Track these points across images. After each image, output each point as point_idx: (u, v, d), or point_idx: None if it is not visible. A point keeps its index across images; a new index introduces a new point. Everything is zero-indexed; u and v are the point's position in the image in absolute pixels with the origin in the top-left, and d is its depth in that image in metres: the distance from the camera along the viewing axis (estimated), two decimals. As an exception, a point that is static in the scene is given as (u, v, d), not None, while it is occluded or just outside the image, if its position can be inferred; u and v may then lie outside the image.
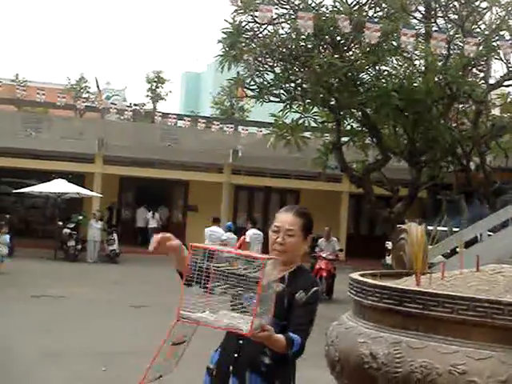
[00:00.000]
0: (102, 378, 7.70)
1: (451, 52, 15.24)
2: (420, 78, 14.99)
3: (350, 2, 14.33)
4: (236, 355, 3.26)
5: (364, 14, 14.27)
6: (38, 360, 8.29)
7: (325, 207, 27.12)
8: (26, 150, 24.55)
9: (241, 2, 14.12)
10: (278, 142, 15.51)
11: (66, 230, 22.24)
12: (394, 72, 15.05)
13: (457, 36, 15.51)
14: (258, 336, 2.80)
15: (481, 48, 14.45)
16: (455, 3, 16.48)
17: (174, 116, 27.96)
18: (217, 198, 26.31)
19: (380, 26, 13.00)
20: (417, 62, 15.76)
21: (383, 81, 14.59)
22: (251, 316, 2.81)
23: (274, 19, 14.40)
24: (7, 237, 17.85)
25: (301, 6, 14.05)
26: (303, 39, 14.19)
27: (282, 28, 14.67)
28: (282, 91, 14.82)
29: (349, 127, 16.36)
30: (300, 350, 3.08)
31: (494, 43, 14.67)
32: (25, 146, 24.35)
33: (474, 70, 16.56)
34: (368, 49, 13.90)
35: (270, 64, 14.63)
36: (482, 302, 2.37)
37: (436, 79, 14.60)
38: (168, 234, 3.13)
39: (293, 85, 14.75)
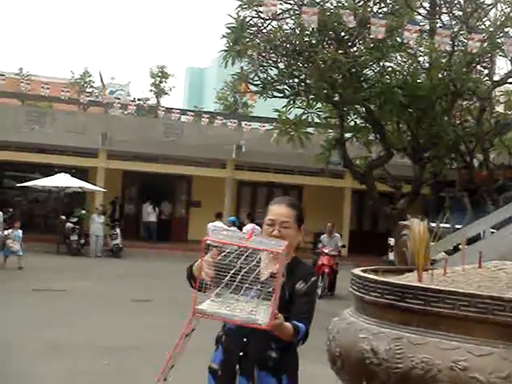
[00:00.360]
0: (103, 371, 7.70)
1: (455, 48, 15.20)
2: (424, 75, 14.96)
3: (354, -2, 14.31)
4: (241, 354, 3.24)
5: (368, 9, 14.24)
6: (40, 353, 8.30)
7: (327, 203, 27.13)
8: (29, 144, 24.58)
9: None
10: (281, 137, 15.50)
11: (69, 225, 22.27)
12: (398, 68, 15.03)
13: (461, 32, 15.47)
14: (272, 324, 2.80)
15: (485, 45, 14.41)
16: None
17: (178, 111, 27.96)
18: (220, 193, 26.31)
19: (385, 22, 12.97)
20: (421, 59, 15.73)
21: (387, 77, 14.57)
22: (263, 309, 2.81)
23: (278, 14, 14.38)
24: (19, 232, 17.70)
25: (305, 1, 14.03)
26: (307, 35, 14.16)
27: (286, 23, 14.65)
28: (285, 87, 14.81)
29: (352, 123, 16.33)
30: (304, 337, 3.11)
31: (499, 40, 14.62)
32: (28, 140, 24.36)
33: (479, 66, 16.50)
34: (372, 45, 13.88)
35: (274, 59, 14.61)
36: (484, 299, 2.37)
37: (440, 76, 14.57)
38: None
39: (296, 80, 14.73)
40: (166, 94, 43.59)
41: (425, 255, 3.04)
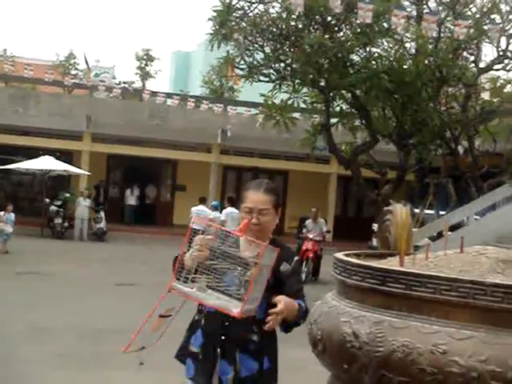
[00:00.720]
0: (86, 353, 7.71)
1: (442, 35, 15.21)
2: (410, 61, 14.95)
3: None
4: (223, 337, 3.24)
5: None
6: (24, 336, 8.29)
7: (313, 188, 27.21)
8: (13, 126, 24.42)
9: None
10: (267, 122, 15.47)
11: (53, 208, 22.20)
12: (384, 54, 15.00)
13: (448, 19, 15.47)
14: (242, 313, 2.81)
15: (471, 31, 14.43)
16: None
17: (163, 94, 27.85)
18: (205, 177, 26.30)
19: (372, 7, 12.93)
20: (407, 45, 15.72)
21: (373, 62, 14.54)
22: (238, 298, 2.84)
23: (265, -2, 14.32)
24: (12, 215, 17.60)
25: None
26: (294, 19, 14.10)
27: (273, 7, 14.59)
28: (271, 71, 14.75)
29: (338, 108, 16.32)
30: (306, 312, 3.17)
31: (485, 27, 14.65)
32: (12, 122, 24.20)
33: (465, 53, 16.52)
34: (359, 30, 13.84)
35: (260, 43, 14.53)
36: (465, 283, 2.38)
37: (426, 62, 14.57)
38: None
39: (282, 65, 14.67)
40: (152, 77, 43.46)
41: (407, 240, 3.05)
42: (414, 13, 15.80)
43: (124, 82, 37.49)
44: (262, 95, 15.37)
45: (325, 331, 2.69)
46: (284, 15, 14.11)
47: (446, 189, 20.03)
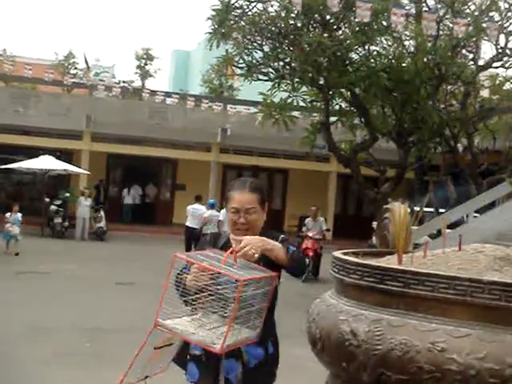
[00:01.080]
0: (86, 353, 7.72)
1: (440, 33, 15.21)
2: (409, 59, 14.96)
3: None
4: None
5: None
6: (23, 335, 8.30)
7: (313, 187, 27.21)
8: (13, 125, 24.42)
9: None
10: (267, 121, 15.48)
11: (53, 207, 22.20)
12: (383, 52, 15.01)
13: (446, 17, 15.47)
14: (223, 349, 2.83)
15: (470, 29, 14.42)
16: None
17: (163, 94, 27.85)
18: (205, 176, 26.30)
19: (370, 6, 12.94)
20: (406, 43, 15.72)
21: (372, 61, 14.55)
22: (221, 331, 2.87)
23: (264, -3, 14.33)
24: (19, 215, 17.29)
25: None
26: (292, 18, 14.11)
27: (272, 6, 14.59)
28: (270, 70, 14.76)
29: (337, 107, 16.34)
30: (299, 250, 3.30)
31: (484, 24, 14.64)
32: (12, 121, 24.21)
33: (464, 51, 16.52)
34: (357, 28, 13.85)
35: (259, 42, 14.54)
36: (463, 281, 2.38)
37: (425, 60, 14.58)
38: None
39: (281, 63, 14.68)
40: (152, 76, 43.48)
41: (405, 238, 3.05)
42: (413, 11, 15.79)
43: (124, 82, 37.53)
44: (261, 94, 15.38)
45: (323, 330, 2.69)
46: (283, 14, 14.12)
47: (445, 186, 20.02)
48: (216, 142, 26.37)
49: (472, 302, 2.35)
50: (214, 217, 17.11)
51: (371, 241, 20.78)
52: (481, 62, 17.33)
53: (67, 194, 23.36)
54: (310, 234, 16.05)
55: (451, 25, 14.69)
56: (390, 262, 2.85)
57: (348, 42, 14.03)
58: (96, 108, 25.47)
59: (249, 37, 14.36)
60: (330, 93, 15.15)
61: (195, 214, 17.59)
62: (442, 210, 18.85)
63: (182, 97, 28.96)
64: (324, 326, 2.70)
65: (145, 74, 42.87)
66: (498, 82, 18.76)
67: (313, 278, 15.53)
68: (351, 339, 2.53)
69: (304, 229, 16.58)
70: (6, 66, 28.62)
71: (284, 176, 30.10)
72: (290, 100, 15.13)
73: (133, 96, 32.03)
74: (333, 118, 16.25)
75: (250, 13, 14.44)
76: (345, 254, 2.94)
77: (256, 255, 3.00)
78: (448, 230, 10.42)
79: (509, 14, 16.33)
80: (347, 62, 14.40)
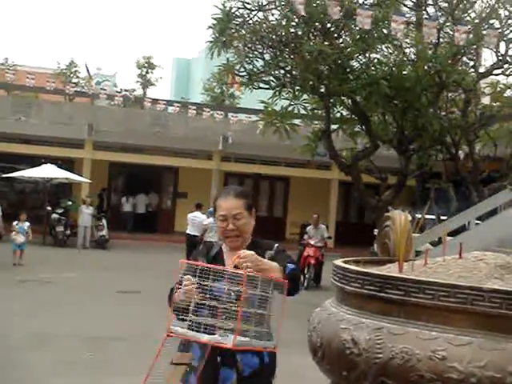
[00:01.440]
0: (88, 362, 7.71)
1: (441, 40, 15.23)
2: (410, 66, 14.98)
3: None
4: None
5: (355, 0, 14.23)
6: (25, 344, 8.30)
7: (314, 194, 27.21)
8: (15, 134, 24.44)
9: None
10: (268, 129, 15.50)
11: (55, 216, 22.21)
12: (383, 60, 15.03)
13: (447, 24, 15.49)
14: (235, 344, 2.88)
15: (471, 36, 14.44)
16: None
17: (164, 102, 27.89)
18: (206, 184, 26.30)
19: (371, 13, 12.96)
20: (407, 50, 15.75)
21: (373, 68, 14.56)
22: (230, 329, 2.94)
23: (264, 5, 14.35)
24: (26, 224, 16.88)
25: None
26: (293, 26, 14.14)
27: (272, 15, 14.61)
28: (271, 78, 14.78)
29: (338, 115, 16.35)
30: (296, 268, 3.31)
31: (484, 32, 14.66)
32: (14, 130, 24.24)
33: (464, 58, 16.53)
34: (358, 36, 13.87)
35: (260, 51, 14.56)
36: (463, 289, 2.38)
37: (426, 67, 14.59)
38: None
39: (282, 72, 14.70)
40: (153, 84, 43.56)
41: (406, 246, 3.06)
42: (413, 18, 15.82)
43: (125, 90, 37.58)
44: (263, 102, 15.40)
45: (324, 338, 2.69)
46: (283, 22, 14.14)
47: (446, 194, 20.01)
48: (217, 150, 26.38)
49: (473, 310, 2.35)
50: (214, 225, 17.12)
51: (373, 248, 20.75)
52: (481, 70, 17.34)
53: (69, 203, 23.37)
54: (312, 242, 16.04)
55: (452, 32, 14.71)
56: (390, 270, 2.86)
57: (349, 49, 14.05)
58: (98, 116, 25.51)
59: (250, 45, 14.39)
60: (331, 100, 15.17)
61: (195, 221, 17.67)
62: (443, 218, 18.83)
63: (184, 105, 29.00)
64: (325, 335, 2.70)
65: (146, 83, 42.95)
66: (498, 89, 18.76)
67: (314, 286, 15.52)
68: (352, 348, 2.53)
69: (306, 236, 16.57)
70: (8, 75, 28.66)
71: (285, 184, 30.11)
72: (291, 108, 15.15)
73: (134, 104, 32.08)
74: (334, 126, 16.27)
75: (250, 21, 14.46)
76: (345, 262, 2.95)
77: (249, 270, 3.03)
78: (449, 238, 10.42)
79: (509, 21, 16.36)
80: (348, 69, 14.41)
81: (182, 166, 27.53)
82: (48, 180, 22.91)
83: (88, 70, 34.06)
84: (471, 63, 17.11)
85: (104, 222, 22.45)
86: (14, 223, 16.90)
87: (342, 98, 15.17)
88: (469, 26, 14.44)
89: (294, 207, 29.17)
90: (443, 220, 17.95)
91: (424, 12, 16.19)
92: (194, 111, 27.46)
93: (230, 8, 14.19)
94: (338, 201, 28.60)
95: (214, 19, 14.03)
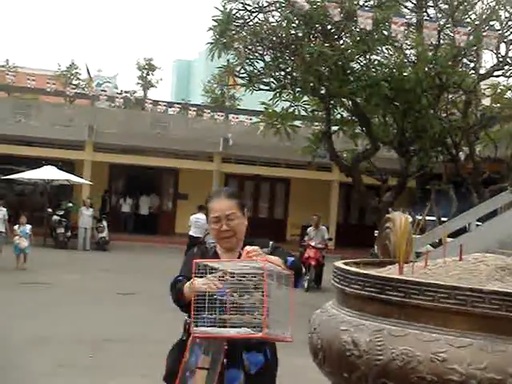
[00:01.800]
0: (89, 364, 7.71)
1: (441, 42, 15.24)
2: (410, 68, 14.98)
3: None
4: (226, 347, 3.22)
5: (355, 2, 14.23)
6: (25, 347, 8.29)
7: (315, 196, 27.21)
8: (15, 136, 24.45)
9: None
10: (268, 130, 15.50)
11: (56, 217, 22.21)
12: (384, 61, 15.03)
13: (447, 26, 15.50)
14: (266, 332, 2.89)
15: (471, 38, 14.45)
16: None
17: (165, 103, 27.89)
18: (207, 186, 26.22)
19: (371, 15, 12.97)
20: (407, 52, 15.75)
21: (373, 70, 14.57)
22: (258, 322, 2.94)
23: (265, 7, 14.36)
24: (27, 227, 16.63)
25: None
26: (293, 27, 14.15)
27: (273, 16, 14.62)
28: (272, 79, 14.79)
29: (339, 116, 16.35)
30: (296, 260, 3.34)
31: (484, 33, 14.66)
32: (14, 132, 24.23)
33: (464, 60, 16.53)
34: (358, 38, 13.87)
35: (260, 52, 14.57)
36: (463, 291, 2.38)
37: (426, 69, 14.59)
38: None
39: (283, 73, 14.71)
40: (153, 86, 43.58)
41: (406, 248, 3.06)
42: (414, 20, 15.82)
43: (126, 92, 37.58)
44: (263, 103, 15.40)
45: (325, 340, 2.69)
46: (284, 24, 14.15)
47: (447, 195, 19.98)
48: (218, 152, 26.38)
49: (473, 311, 2.35)
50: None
51: (373, 250, 20.74)
52: (482, 71, 17.33)
53: (70, 205, 23.37)
54: (313, 243, 16.04)
55: (452, 34, 14.71)
56: (391, 271, 2.86)
57: (349, 51, 14.05)
58: (98, 118, 25.51)
59: (250, 47, 14.40)
60: (332, 102, 15.18)
61: (198, 223, 17.70)
62: (443, 219, 18.81)
63: (184, 107, 29.01)
64: (325, 337, 2.70)
65: (147, 84, 42.99)
66: (499, 90, 18.74)
67: (315, 288, 15.51)
68: (352, 349, 2.53)
69: (306, 238, 16.56)
70: (9, 77, 28.69)
71: (286, 185, 30.10)
72: (291, 109, 15.15)
73: (135, 106, 32.09)
74: (334, 128, 16.27)
75: (251, 23, 14.48)
76: (346, 264, 2.95)
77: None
78: (450, 239, 10.41)
79: (509, 23, 16.36)
80: (348, 71, 14.42)
81: (183, 167, 27.53)
82: (48, 182, 22.91)
83: (88, 72, 34.02)
84: (471, 65, 17.11)
85: (104, 223, 22.45)
86: (16, 227, 16.64)
87: (343, 99, 15.17)
88: (469, 28, 14.46)
89: (294, 209, 29.17)
90: (444, 221, 17.93)
91: (424, 14, 16.19)
92: (195, 113, 27.48)
93: (231, 10, 14.21)
94: (338, 202, 28.60)
95: (215, 21, 14.04)
